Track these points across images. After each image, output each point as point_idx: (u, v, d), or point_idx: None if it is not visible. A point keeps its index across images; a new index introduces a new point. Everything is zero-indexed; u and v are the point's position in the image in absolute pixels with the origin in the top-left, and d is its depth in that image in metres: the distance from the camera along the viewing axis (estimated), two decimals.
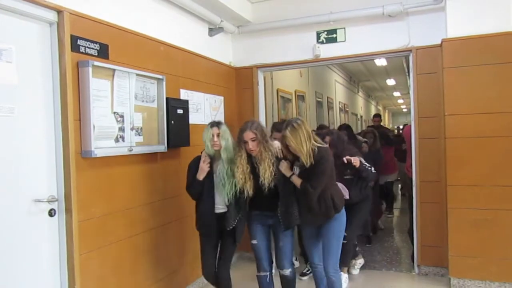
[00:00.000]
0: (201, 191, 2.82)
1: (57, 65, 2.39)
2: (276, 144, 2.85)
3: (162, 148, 3.20)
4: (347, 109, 11.37)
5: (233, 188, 2.75)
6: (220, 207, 2.84)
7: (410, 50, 3.87)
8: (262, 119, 4.51)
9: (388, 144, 6.01)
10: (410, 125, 4.06)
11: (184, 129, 3.47)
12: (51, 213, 2.35)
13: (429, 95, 3.79)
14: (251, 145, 2.70)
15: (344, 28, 4.13)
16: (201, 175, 2.78)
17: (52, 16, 2.36)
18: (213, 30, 4.13)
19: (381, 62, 8.60)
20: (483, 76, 3.37)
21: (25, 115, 2.24)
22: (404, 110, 22.32)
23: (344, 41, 4.14)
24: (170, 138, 3.26)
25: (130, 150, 2.86)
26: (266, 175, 2.69)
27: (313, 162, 2.62)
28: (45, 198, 2.33)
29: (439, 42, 3.62)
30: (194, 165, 2.84)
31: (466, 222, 3.42)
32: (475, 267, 3.43)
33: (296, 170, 2.76)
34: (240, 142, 2.75)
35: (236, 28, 4.40)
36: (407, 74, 7.92)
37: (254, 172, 2.75)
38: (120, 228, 2.81)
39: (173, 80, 3.42)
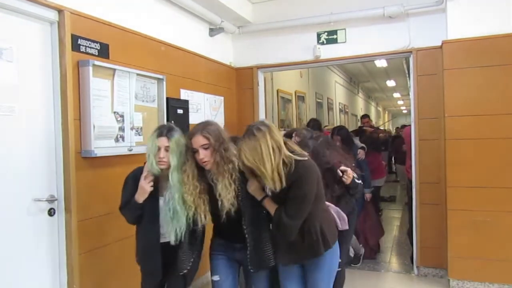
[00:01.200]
0: (142, 214, 2.12)
1: (58, 64, 2.39)
2: None
3: None
4: (347, 110, 11.38)
5: (187, 222, 2.06)
6: (167, 235, 2.13)
7: (411, 52, 3.88)
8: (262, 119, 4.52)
9: (375, 150, 5.40)
10: (410, 126, 4.06)
11: (184, 129, 3.39)
12: (51, 212, 2.35)
13: (429, 96, 3.79)
14: (202, 155, 1.96)
15: (345, 29, 4.13)
16: (140, 197, 2.06)
17: (53, 15, 2.36)
18: (214, 30, 4.13)
19: (381, 63, 8.59)
20: (483, 77, 3.37)
21: (25, 114, 2.23)
22: (404, 111, 22.32)
23: (345, 42, 4.14)
24: None
25: (130, 150, 2.86)
26: (227, 196, 1.97)
27: (285, 185, 1.88)
28: (44, 197, 2.32)
29: (439, 43, 3.62)
30: (133, 180, 2.13)
31: (466, 223, 3.42)
32: (474, 269, 3.43)
33: (269, 190, 1.99)
34: (187, 151, 2.02)
35: (237, 28, 4.40)
36: (407, 75, 7.93)
37: (211, 192, 2.04)
38: (119, 228, 2.79)
39: (173, 80, 3.42)
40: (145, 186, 2.04)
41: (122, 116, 2.80)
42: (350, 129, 6.59)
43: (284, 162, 1.89)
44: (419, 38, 3.83)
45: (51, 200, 2.35)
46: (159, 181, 2.10)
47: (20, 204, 2.22)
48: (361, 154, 4.27)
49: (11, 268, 2.16)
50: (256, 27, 4.40)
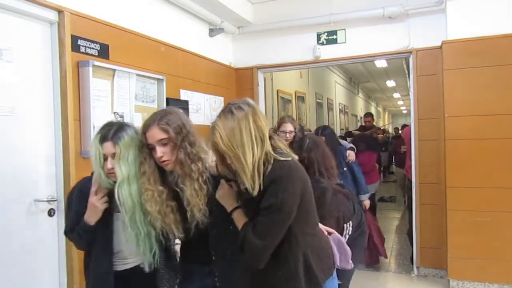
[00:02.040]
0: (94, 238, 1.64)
1: (58, 65, 2.39)
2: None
3: None
4: (347, 110, 11.38)
5: (158, 239, 1.64)
6: (130, 261, 1.71)
7: (410, 52, 3.88)
8: None
9: (371, 150, 5.11)
10: (410, 127, 4.06)
11: None
12: (51, 213, 2.35)
13: (429, 96, 3.79)
14: (161, 152, 1.53)
15: (345, 29, 4.13)
16: (92, 217, 1.61)
17: (53, 16, 2.36)
18: (214, 30, 4.13)
19: (381, 63, 8.59)
20: (483, 78, 3.37)
21: (25, 114, 2.24)
22: (404, 111, 22.32)
23: (345, 42, 4.14)
24: None
25: None
26: (197, 204, 1.53)
27: (262, 189, 1.41)
28: (44, 198, 2.33)
29: (439, 44, 3.62)
30: (79, 196, 1.68)
31: (465, 224, 3.42)
32: (474, 269, 3.42)
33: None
34: (143, 148, 1.58)
35: (237, 28, 4.40)
36: (407, 75, 7.93)
37: (178, 199, 1.59)
38: None
39: (173, 80, 3.42)
40: (97, 204, 1.60)
41: (122, 116, 2.80)
42: (351, 129, 6.57)
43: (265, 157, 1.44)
44: (419, 38, 3.83)
45: (51, 200, 2.35)
46: (113, 194, 1.59)
47: (20, 205, 2.22)
48: (351, 156, 3.71)
49: (11, 268, 2.16)
50: (256, 27, 4.40)
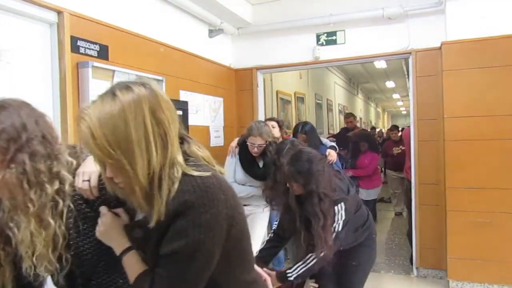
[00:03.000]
0: None
1: (57, 66, 2.39)
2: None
3: None
4: (347, 111, 11.37)
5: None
6: None
7: (410, 53, 3.88)
8: None
9: (372, 150, 4.89)
10: (409, 128, 4.06)
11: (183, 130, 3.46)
12: None
13: (428, 97, 3.79)
14: None
15: (344, 30, 4.13)
16: None
17: (52, 17, 2.36)
18: (213, 31, 4.13)
19: (380, 64, 8.61)
20: (482, 79, 3.38)
21: None
22: (404, 112, 22.34)
23: (344, 43, 4.14)
24: None
25: None
26: (33, 249, 1.00)
27: (164, 220, 0.94)
28: None
29: (438, 44, 3.63)
30: None
31: (465, 224, 3.42)
32: (473, 270, 3.42)
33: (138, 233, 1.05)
34: None
35: (236, 29, 4.40)
36: (406, 76, 7.95)
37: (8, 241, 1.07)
38: None
39: (172, 81, 3.42)
40: None
41: None
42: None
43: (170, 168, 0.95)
44: (418, 39, 3.83)
45: None
46: None
47: None
48: (331, 155, 3.23)
49: None
50: (255, 28, 4.40)
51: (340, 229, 2.01)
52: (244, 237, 1.05)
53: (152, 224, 0.93)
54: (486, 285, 3.42)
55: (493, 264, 3.37)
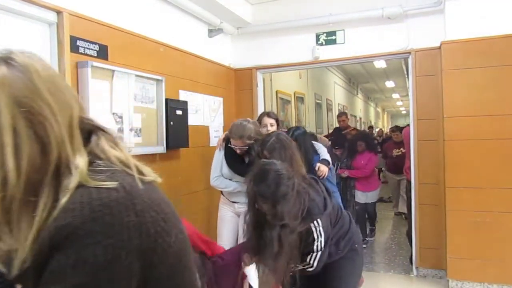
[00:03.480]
0: None
1: (57, 65, 2.38)
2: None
3: (161, 149, 3.20)
4: (347, 111, 11.37)
5: None
6: None
7: (409, 52, 3.88)
8: None
9: (370, 150, 4.76)
10: (409, 127, 4.06)
11: (183, 130, 3.47)
12: None
13: (428, 97, 3.79)
14: None
15: (344, 30, 4.13)
16: None
17: (52, 17, 2.36)
18: (213, 31, 4.13)
19: (380, 64, 8.61)
20: (482, 78, 3.38)
21: None
22: (403, 112, 22.35)
23: (344, 43, 4.14)
24: (169, 139, 3.25)
25: (129, 151, 2.85)
26: None
27: (41, 256, 0.59)
28: None
29: (438, 44, 3.63)
30: None
31: (465, 224, 3.42)
32: (473, 269, 3.43)
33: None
34: None
35: (236, 29, 4.40)
36: (406, 76, 7.94)
37: None
38: None
39: (172, 81, 3.42)
40: None
41: (121, 117, 2.80)
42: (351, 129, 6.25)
43: (58, 178, 0.65)
44: (418, 39, 3.83)
45: None
46: None
47: None
48: (321, 170, 2.89)
49: None
50: (255, 28, 4.40)
51: (322, 247, 1.89)
52: (179, 272, 0.70)
53: (13, 271, 0.61)
54: (485, 284, 3.42)
55: (492, 263, 3.37)
